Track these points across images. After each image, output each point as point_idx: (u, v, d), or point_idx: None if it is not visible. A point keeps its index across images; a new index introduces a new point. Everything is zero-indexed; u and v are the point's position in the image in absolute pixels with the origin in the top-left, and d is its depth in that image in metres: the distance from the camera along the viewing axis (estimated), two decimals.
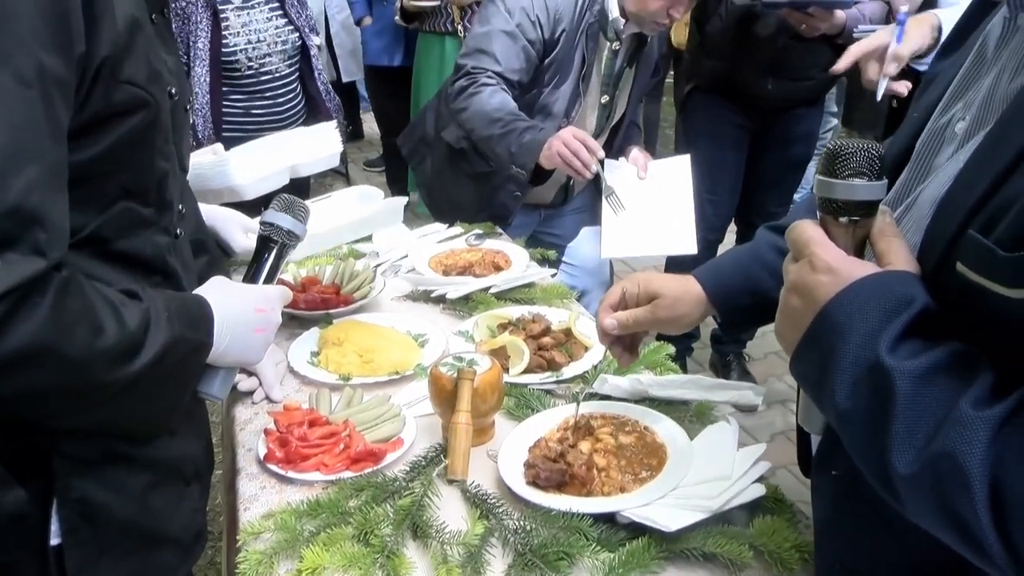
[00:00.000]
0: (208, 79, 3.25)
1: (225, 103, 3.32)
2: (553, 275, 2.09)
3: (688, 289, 1.26)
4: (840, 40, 2.86)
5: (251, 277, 1.28)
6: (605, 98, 2.42)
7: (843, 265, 0.77)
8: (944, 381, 0.68)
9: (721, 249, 3.29)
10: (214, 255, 1.56)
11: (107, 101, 0.97)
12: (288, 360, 1.64)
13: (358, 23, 5.02)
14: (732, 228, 3.31)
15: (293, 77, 3.46)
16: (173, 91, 1.14)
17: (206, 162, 1.77)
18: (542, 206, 2.62)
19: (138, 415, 1.06)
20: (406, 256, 2.12)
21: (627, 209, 2.27)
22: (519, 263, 2.05)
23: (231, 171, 1.96)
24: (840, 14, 2.70)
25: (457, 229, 2.27)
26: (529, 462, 1.26)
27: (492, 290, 1.89)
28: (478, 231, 2.25)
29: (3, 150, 0.83)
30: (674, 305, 1.25)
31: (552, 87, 2.31)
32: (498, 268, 2.03)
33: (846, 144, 0.79)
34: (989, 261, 0.68)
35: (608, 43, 2.33)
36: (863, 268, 0.76)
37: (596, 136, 2.41)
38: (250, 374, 1.56)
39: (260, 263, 1.28)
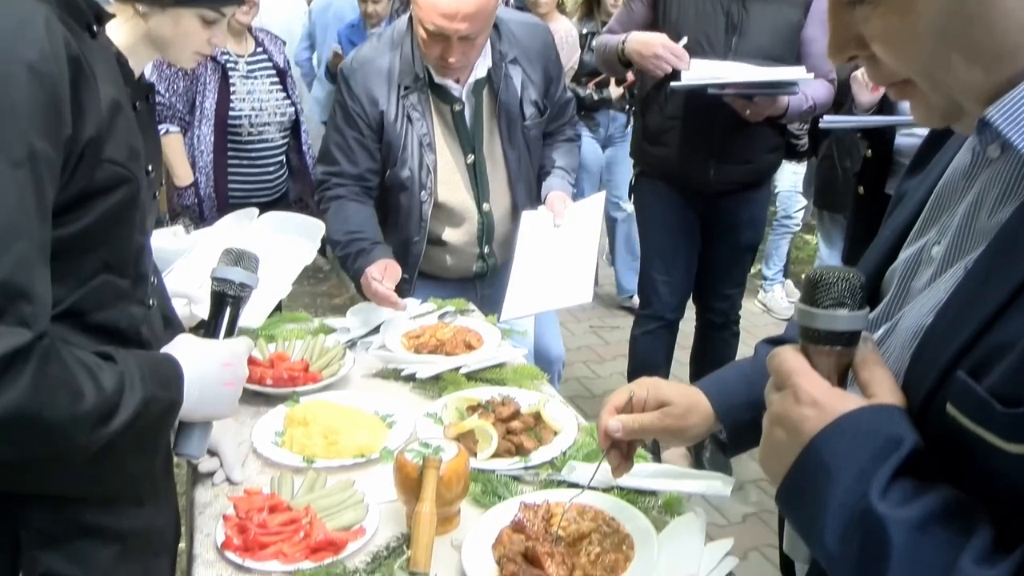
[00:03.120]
0: (213, 139, 3.30)
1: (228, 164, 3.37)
2: (525, 354, 2.08)
3: (698, 401, 1.22)
4: (783, 120, 2.90)
5: (212, 333, 1.28)
6: (471, 158, 2.38)
7: (828, 399, 0.74)
8: (941, 532, 0.65)
9: (683, 327, 3.32)
10: (178, 329, 1.55)
11: (90, 179, 1.02)
12: (252, 440, 1.61)
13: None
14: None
15: (283, 148, 3.54)
16: (150, 168, 1.19)
17: (170, 248, 1.73)
18: (468, 279, 2.53)
19: (111, 479, 1.05)
20: (377, 331, 2.11)
21: (533, 271, 2.24)
22: (491, 342, 2.04)
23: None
24: (783, 98, 2.73)
25: (430, 305, 2.26)
26: (508, 556, 1.23)
27: (462, 370, 1.88)
28: (450, 308, 2.25)
29: None
30: (684, 415, 1.20)
31: (397, 165, 2.32)
32: (470, 347, 2.01)
33: (827, 273, 0.77)
34: (985, 412, 0.66)
35: (449, 106, 2.32)
36: (848, 402, 0.74)
37: (489, 198, 2.39)
38: (212, 454, 1.53)
39: (219, 319, 1.28)
